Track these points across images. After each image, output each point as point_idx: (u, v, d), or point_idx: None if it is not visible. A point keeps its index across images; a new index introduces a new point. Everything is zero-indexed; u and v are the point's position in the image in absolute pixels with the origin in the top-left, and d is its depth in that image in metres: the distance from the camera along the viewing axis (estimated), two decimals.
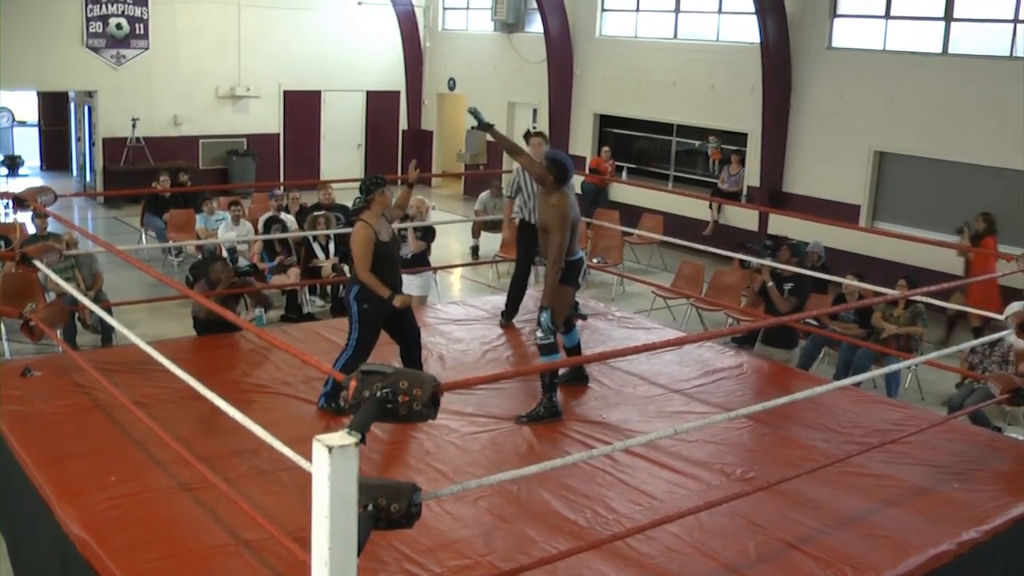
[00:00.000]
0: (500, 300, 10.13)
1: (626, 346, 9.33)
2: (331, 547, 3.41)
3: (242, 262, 12.67)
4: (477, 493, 5.72)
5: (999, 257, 11.34)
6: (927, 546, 5.59)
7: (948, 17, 14.83)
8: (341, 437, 3.40)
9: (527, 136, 10.18)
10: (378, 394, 3.62)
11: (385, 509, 3.69)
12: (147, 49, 21.03)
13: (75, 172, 22.96)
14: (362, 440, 3.43)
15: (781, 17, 16.41)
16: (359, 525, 3.52)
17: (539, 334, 7.37)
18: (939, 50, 14.96)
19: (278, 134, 23.06)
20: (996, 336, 8.41)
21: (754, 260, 9.72)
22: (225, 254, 13.81)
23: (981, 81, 14.26)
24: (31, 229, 12.80)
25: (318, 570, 3.46)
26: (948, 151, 14.78)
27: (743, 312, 11.98)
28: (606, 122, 20.57)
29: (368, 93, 24.22)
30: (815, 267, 12.04)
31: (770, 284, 9.70)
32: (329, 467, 3.35)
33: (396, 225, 7.99)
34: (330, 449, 3.35)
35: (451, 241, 17.08)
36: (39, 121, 25.41)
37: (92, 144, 21.46)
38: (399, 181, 10.27)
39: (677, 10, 18.88)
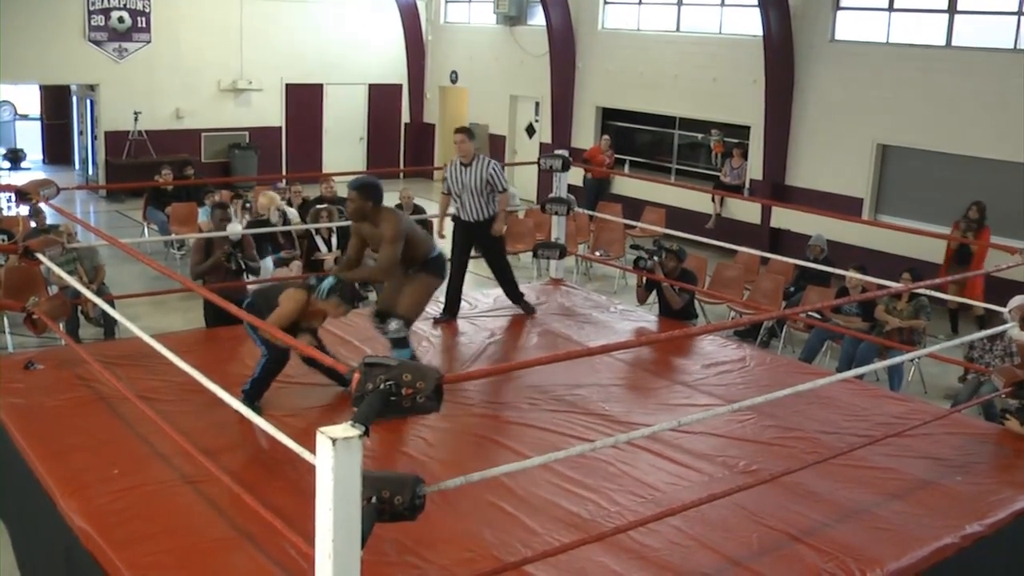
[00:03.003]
0: (500, 292, 10.09)
1: (628, 338, 9.42)
2: (335, 540, 3.41)
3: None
4: (479, 485, 5.70)
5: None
6: (931, 539, 5.58)
7: (951, 10, 14.82)
8: (345, 429, 3.40)
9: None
10: (382, 387, 3.62)
11: (388, 501, 3.69)
12: (149, 42, 21.03)
13: (77, 166, 22.98)
14: (366, 432, 3.43)
15: (784, 10, 16.38)
16: (363, 517, 3.52)
17: (393, 326, 7.44)
18: (942, 43, 14.94)
19: (280, 127, 23.06)
20: (999, 329, 8.39)
21: (648, 262, 9.88)
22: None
23: (984, 74, 14.25)
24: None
25: (322, 563, 3.46)
26: (951, 144, 14.76)
27: (745, 305, 11.99)
28: (608, 115, 20.54)
29: (370, 86, 24.21)
30: (817, 260, 12.04)
31: (665, 285, 9.77)
32: (333, 459, 3.35)
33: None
34: (334, 441, 3.35)
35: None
36: (41, 115, 25.40)
37: (94, 137, 21.48)
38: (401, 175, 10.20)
39: (679, 3, 18.86)
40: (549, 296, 10.42)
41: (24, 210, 12.98)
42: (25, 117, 27.38)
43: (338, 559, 3.43)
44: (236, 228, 9.99)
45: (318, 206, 13.42)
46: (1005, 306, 7.76)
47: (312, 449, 3.56)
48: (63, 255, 9.12)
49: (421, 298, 7.73)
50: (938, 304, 11.00)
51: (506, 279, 9.79)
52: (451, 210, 9.74)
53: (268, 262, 11.92)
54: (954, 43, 14.84)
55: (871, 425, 7.23)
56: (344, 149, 23.75)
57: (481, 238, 9.52)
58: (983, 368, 9.45)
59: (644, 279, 10.02)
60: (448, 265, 7.81)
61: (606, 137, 19.38)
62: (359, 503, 3.48)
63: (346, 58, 23.42)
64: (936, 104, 14.86)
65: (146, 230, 16.17)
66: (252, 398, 6.85)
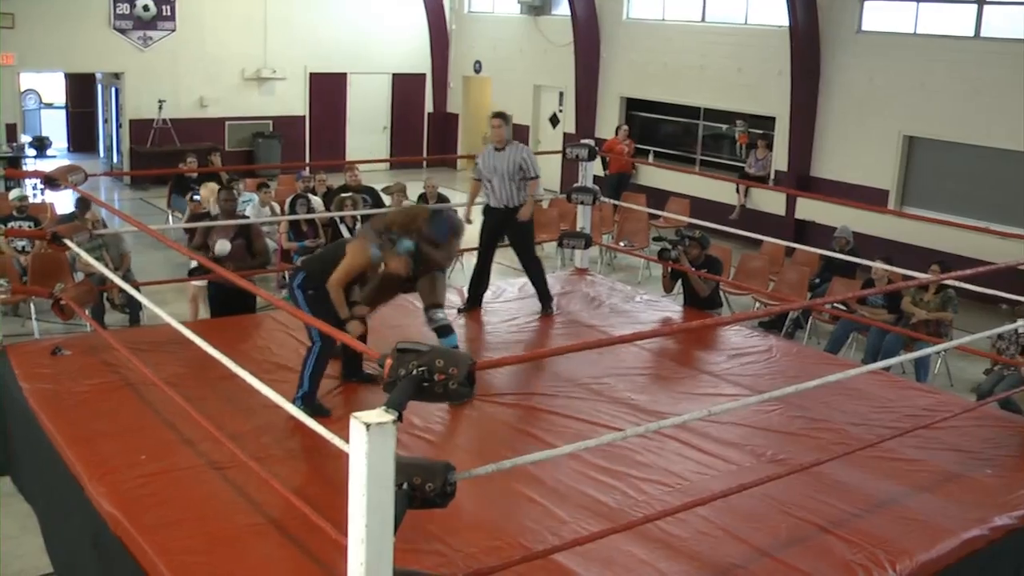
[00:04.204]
0: (527, 281, 10.07)
1: (654, 328, 9.38)
2: (368, 525, 3.40)
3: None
4: (506, 474, 5.69)
5: None
6: (960, 531, 5.54)
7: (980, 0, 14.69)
8: (379, 414, 3.38)
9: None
10: (414, 372, 3.60)
11: (420, 488, 3.68)
12: (174, 31, 21.09)
13: (102, 154, 23.09)
14: (399, 418, 3.41)
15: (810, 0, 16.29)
16: (395, 503, 3.51)
17: (441, 315, 7.55)
18: (971, 33, 14.82)
19: (304, 116, 23.10)
20: None
21: (672, 252, 9.81)
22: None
23: (1014, 65, 14.11)
24: (62, 209, 12.86)
25: (355, 548, 3.45)
26: (979, 136, 14.65)
27: (771, 296, 11.94)
28: (633, 105, 20.49)
29: (394, 76, 24.22)
30: (843, 251, 11.98)
31: (692, 271, 9.71)
32: (367, 444, 3.34)
33: None
34: (368, 426, 3.33)
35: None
36: (66, 103, 25.54)
37: (119, 126, 21.58)
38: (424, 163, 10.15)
39: None
40: (574, 286, 10.40)
41: (52, 196, 13.05)
42: (50, 105, 27.54)
43: (371, 544, 3.42)
44: (224, 247, 9.72)
45: (343, 195, 13.43)
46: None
47: (341, 434, 3.55)
48: (89, 242, 9.16)
49: (444, 283, 7.79)
50: (969, 298, 10.88)
51: (533, 271, 9.58)
52: (480, 199, 9.69)
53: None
54: (983, 33, 14.72)
55: (899, 417, 7.18)
56: (367, 138, 23.76)
57: (510, 226, 9.43)
58: (1009, 360, 9.38)
59: (669, 268, 10.00)
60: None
61: (624, 128, 19.24)
62: (392, 488, 3.47)
63: (370, 47, 23.43)
64: (964, 95, 14.74)
65: (170, 218, 16.22)
66: (311, 398, 6.68)
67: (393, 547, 3.52)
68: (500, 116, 9.36)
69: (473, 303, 9.48)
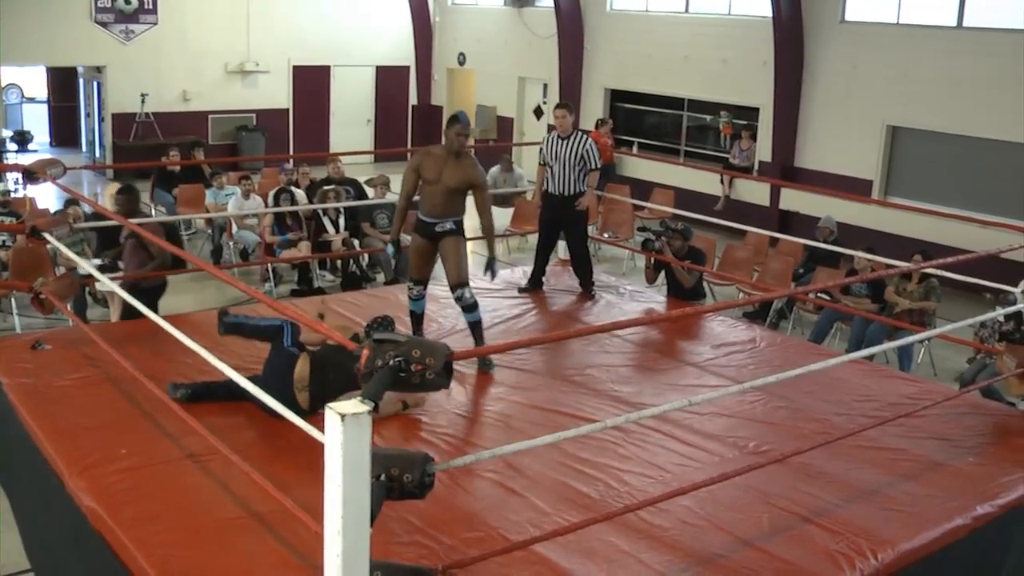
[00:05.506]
0: (510, 273, 10.07)
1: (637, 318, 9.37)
2: (344, 516, 3.38)
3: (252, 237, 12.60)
4: (487, 465, 5.68)
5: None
6: (942, 520, 5.54)
7: None
8: (354, 405, 3.37)
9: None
10: (391, 363, 3.58)
11: (398, 479, 3.67)
12: (156, 24, 21.01)
13: (84, 148, 23.00)
14: (375, 409, 3.40)
15: None
16: (372, 495, 3.49)
17: (468, 294, 7.69)
18: (953, 23, 14.85)
19: (287, 109, 23.05)
20: (1010, 310, 8.33)
21: (655, 243, 9.84)
22: (235, 230, 13.83)
23: (996, 54, 14.15)
24: (43, 203, 12.77)
25: (331, 540, 3.44)
26: (962, 125, 14.69)
27: (755, 286, 11.94)
28: (617, 97, 20.49)
29: (377, 68, 24.18)
30: (827, 241, 11.99)
31: (676, 262, 9.73)
32: (342, 436, 3.32)
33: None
34: (343, 417, 3.32)
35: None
36: (48, 97, 25.41)
37: (101, 120, 21.50)
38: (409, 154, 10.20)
39: None
40: (559, 277, 10.37)
41: (32, 190, 12.97)
42: (32, 100, 27.36)
43: (347, 536, 3.40)
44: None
45: (325, 187, 13.40)
46: (1011, 287, 7.72)
47: (320, 427, 3.54)
48: (70, 236, 9.09)
49: (466, 259, 7.97)
50: (952, 287, 10.89)
51: (580, 258, 9.89)
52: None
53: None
54: (965, 23, 14.75)
55: (882, 406, 7.19)
56: (351, 131, 23.71)
57: (567, 212, 9.69)
58: (991, 348, 9.40)
59: (652, 259, 10.00)
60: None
61: (609, 122, 19.20)
62: (368, 480, 3.45)
63: (353, 40, 23.38)
64: (947, 85, 14.77)
65: (153, 212, 16.14)
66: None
67: (370, 538, 3.50)
68: (564, 107, 9.80)
69: (534, 284, 9.80)
